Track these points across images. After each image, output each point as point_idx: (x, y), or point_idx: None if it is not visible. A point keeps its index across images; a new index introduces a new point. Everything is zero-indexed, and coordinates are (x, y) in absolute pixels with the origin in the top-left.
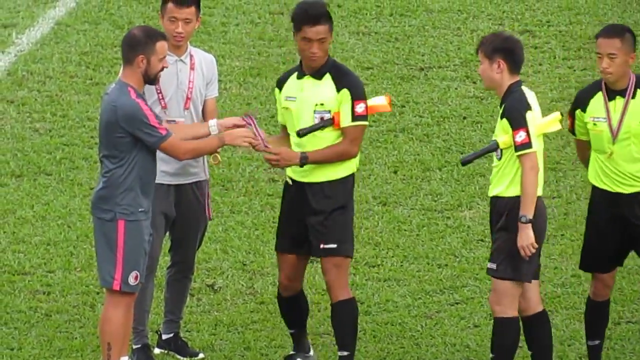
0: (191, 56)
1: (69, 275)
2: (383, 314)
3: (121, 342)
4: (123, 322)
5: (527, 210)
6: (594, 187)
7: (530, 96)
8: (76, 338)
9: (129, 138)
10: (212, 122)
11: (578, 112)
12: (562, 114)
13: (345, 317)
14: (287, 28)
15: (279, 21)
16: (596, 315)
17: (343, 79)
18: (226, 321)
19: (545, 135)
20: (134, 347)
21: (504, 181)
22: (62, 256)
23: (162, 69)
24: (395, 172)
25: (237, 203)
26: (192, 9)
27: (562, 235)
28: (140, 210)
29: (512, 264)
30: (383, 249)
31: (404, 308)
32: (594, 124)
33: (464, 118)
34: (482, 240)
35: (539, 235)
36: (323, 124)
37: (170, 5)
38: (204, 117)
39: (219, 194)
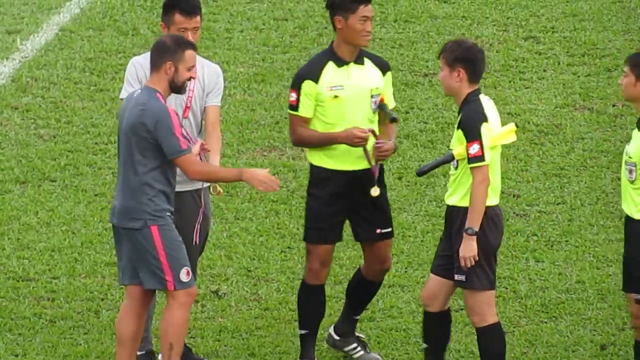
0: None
1: (73, 281)
2: (387, 320)
3: (182, 342)
4: (185, 322)
5: (474, 223)
6: None
7: (488, 105)
8: (80, 344)
9: (155, 141)
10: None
11: None
12: (517, 125)
13: None
14: (291, 34)
15: (283, 27)
16: None
17: (380, 61)
18: (230, 327)
19: (550, 142)
20: (138, 353)
21: (460, 191)
22: (67, 262)
23: (189, 79)
24: (399, 179)
25: (242, 209)
26: (199, 17)
27: (566, 241)
28: (167, 214)
29: (481, 274)
30: None
31: (408, 314)
32: None
33: None
34: None
35: (494, 245)
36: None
37: (178, 16)
38: (205, 125)
39: (223, 200)
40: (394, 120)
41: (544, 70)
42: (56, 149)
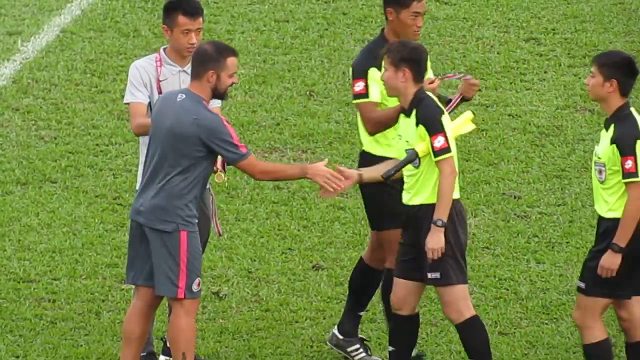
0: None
1: (74, 282)
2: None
3: (193, 349)
4: (194, 329)
5: (442, 215)
6: None
7: (437, 101)
8: (81, 345)
9: (205, 152)
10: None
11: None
12: (473, 113)
13: None
14: (292, 36)
15: (284, 29)
16: None
17: None
18: (231, 329)
19: (551, 144)
20: (140, 354)
21: (426, 189)
22: (68, 264)
23: (231, 84)
24: None
25: (243, 210)
26: (201, 17)
27: (567, 242)
28: (196, 221)
29: (455, 268)
30: None
31: None
32: None
33: None
34: (487, 248)
35: (465, 238)
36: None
37: (181, 18)
38: None
39: (224, 202)
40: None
41: (545, 72)
42: (57, 150)
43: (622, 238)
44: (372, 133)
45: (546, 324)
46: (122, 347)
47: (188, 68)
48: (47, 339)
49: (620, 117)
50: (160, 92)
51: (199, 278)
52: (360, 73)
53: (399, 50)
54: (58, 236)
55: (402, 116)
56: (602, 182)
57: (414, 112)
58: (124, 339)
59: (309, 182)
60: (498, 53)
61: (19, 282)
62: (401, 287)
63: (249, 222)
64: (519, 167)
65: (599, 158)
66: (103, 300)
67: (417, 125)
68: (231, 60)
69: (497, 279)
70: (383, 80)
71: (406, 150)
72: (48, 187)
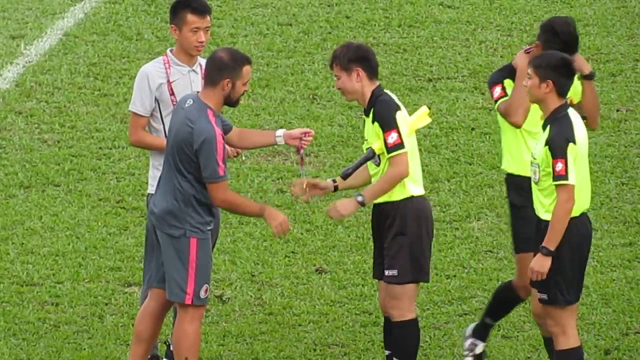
0: (200, 66)
1: (77, 286)
2: None
3: (197, 356)
4: (199, 336)
5: (371, 198)
6: None
7: (394, 97)
8: (84, 349)
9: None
10: (279, 132)
11: None
12: (429, 107)
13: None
14: (295, 39)
15: (287, 32)
16: None
17: None
18: (234, 332)
19: None
20: None
21: None
22: (71, 267)
23: (243, 93)
24: None
25: None
26: (209, 16)
27: None
28: (208, 229)
29: (413, 267)
30: None
31: None
32: None
33: (472, 129)
34: (490, 251)
35: (422, 235)
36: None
37: (190, 16)
38: None
39: None
40: None
41: None
42: (60, 153)
43: (551, 241)
44: (518, 126)
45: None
46: (132, 347)
47: (196, 67)
48: (50, 342)
49: (556, 119)
50: (172, 93)
51: (207, 285)
52: (498, 80)
53: (345, 53)
54: (61, 239)
55: (364, 117)
56: (536, 183)
57: (371, 111)
58: (134, 339)
59: None
60: (501, 56)
61: (22, 286)
62: (383, 289)
63: (252, 225)
64: None
65: (534, 159)
66: (106, 304)
67: (372, 122)
68: (246, 69)
69: (500, 282)
70: (339, 88)
71: (366, 148)
72: (51, 191)
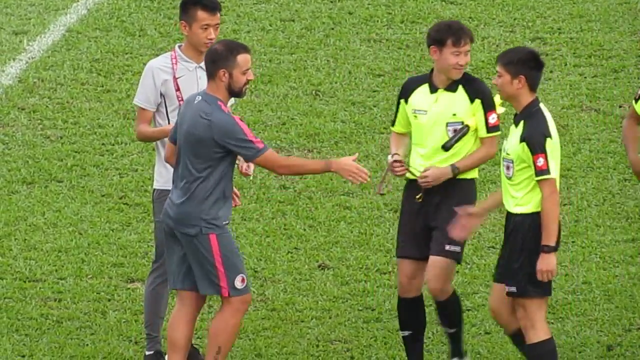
0: None
1: (80, 282)
2: (394, 321)
3: (230, 348)
4: (237, 329)
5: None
6: None
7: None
8: (87, 345)
9: (223, 153)
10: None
11: None
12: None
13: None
14: (298, 35)
15: (290, 28)
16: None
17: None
18: None
19: None
20: (147, 353)
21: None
22: (73, 263)
23: (247, 82)
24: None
25: (248, 210)
26: (219, 13)
27: (572, 242)
28: (225, 222)
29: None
30: (394, 256)
31: None
32: None
33: None
34: (493, 247)
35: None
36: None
37: (201, 13)
38: None
39: None
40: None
41: (551, 72)
42: (63, 149)
43: (549, 237)
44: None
45: (552, 323)
46: (168, 354)
47: (203, 64)
48: (53, 338)
49: (530, 114)
50: (177, 89)
51: (241, 275)
52: None
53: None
54: (64, 235)
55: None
56: (509, 179)
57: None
58: (169, 346)
59: (314, 181)
60: None
61: (24, 282)
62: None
63: (254, 221)
64: None
65: (508, 154)
66: (109, 300)
67: (472, 101)
68: (242, 57)
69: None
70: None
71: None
72: (54, 187)
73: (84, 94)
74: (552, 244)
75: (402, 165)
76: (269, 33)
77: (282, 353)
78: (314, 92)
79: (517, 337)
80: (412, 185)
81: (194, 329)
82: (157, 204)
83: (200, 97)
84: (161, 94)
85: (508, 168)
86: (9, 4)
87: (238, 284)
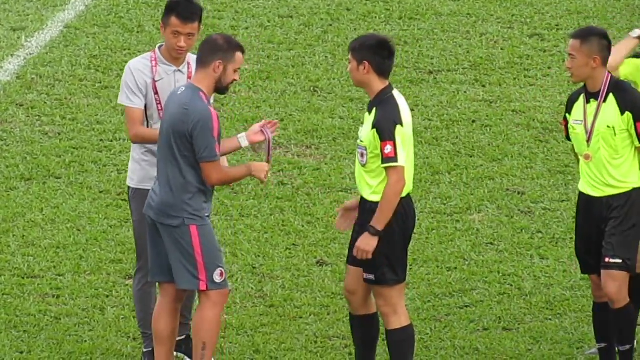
0: (188, 64)
1: (78, 278)
2: None
3: (215, 342)
4: (218, 322)
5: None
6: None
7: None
8: (86, 341)
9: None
10: (241, 135)
11: (567, 115)
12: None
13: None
14: (296, 32)
15: (288, 24)
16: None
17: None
18: (235, 324)
19: (555, 139)
20: (144, 350)
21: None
22: (72, 259)
23: (233, 81)
24: None
25: (247, 206)
26: (196, 24)
27: (570, 238)
28: (206, 215)
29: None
30: None
31: (413, 311)
32: (573, 127)
33: (473, 121)
34: (491, 244)
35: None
36: None
37: (174, 19)
38: None
39: (228, 197)
40: None
41: (549, 68)
42: (61, 146)
43: (380, 221)
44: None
45: (550, 319)
46: (155, 347)
47: (183, 67)
48: (52, 334)
49: (382, 101)
50: (156, 92)
51: (220, 268)
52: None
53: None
54: (62, 232)
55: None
56: (364, 166)
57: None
58: (155, 339)
59: (313, 177)
60: (502, 49)
61: (23, 278)
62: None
63: (253, 218)
64: (523, 163)
65: (362, 141)
66: (107, 296)
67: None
68: (239, 56)
69: (501, 274)
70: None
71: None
72: (52, 183)
73: (82, 90)
74: (380, 228)
75: None
76: (267, 29)
77: (280, 349)
78: (312, 88)
79: (360, 320)
80: None
81: (178, 319)
82: (133, 203)
83: (183, 88)
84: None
85: (362, 155)
86: (6, 0)
87: (217, 277)
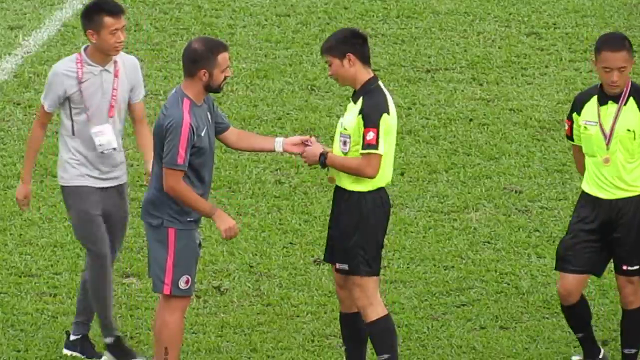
0: (115, 62)
1: (75, 277)
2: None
3: (178, 347)
4: (180, 327)
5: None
6: (582, 192)
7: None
8: None
9: None
10: (279, 139)
11: (574, 115)
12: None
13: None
14: (293, 30)
15: (285, 23)
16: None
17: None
18: (233, 323)
19: (552, 138)
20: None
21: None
22: (69, 258)
23: (225, 79)
24: (401, 174)
25: (244, 205)
26: (124, 15)
27: None
28: (189, 219)
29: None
30: (390, 251)
31: (410, 310)
32: (585, 127)
33: (471, 120)
34: (488, 242)
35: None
36: None
37: (107, 19)
38: (133, 122)
39: (225, 196)
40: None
41: (546, 67)
42: (58, 144)
43: (335, 164)
44: None
45: (547, 318)
46: (154, 347)
47: (109, 66)
48: (49, 333)
49: (369, 91)
50: (81, 93)
51: (187, 276)
52: None
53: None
54: (59, 230)
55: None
56: (346, 154)
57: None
58: (155, 340)
59: (310, 176)
60: (499, 47)
61: (20, 277)
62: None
63: (250, 216)
64: (520, 162)
65: (345, 129)
66: None
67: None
68: (222, 57)
69: (498, 273)
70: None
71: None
72: (49, 182)
73: None
74: (329, 164)
75: None
76: (265, 28)
77: (277, 348)
78: (309, 87)
79: (350, 317)
80: None
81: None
82: (70, 199)
83: (173, 91)
84: (66, 98)
85: (345, 143)
86: None
87: (182, 284)
